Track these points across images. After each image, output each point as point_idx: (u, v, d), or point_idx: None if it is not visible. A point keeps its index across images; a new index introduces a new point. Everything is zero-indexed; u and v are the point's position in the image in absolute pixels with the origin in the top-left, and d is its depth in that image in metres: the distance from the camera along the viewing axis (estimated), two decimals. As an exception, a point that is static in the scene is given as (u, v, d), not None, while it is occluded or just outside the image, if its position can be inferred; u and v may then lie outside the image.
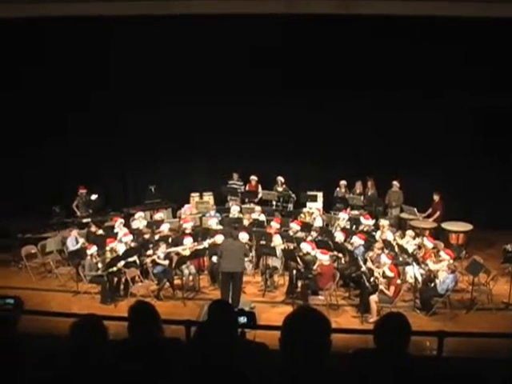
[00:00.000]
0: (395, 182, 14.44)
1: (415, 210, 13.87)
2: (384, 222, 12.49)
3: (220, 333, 3.67)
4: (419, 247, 11.67)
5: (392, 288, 10.00)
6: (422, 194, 14.18)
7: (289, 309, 10.06)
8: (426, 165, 14.34)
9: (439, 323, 9.66)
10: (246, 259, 11.84)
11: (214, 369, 2.80)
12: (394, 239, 11.90)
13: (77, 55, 13.92)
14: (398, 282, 10.17)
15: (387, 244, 11.49)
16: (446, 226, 13.29)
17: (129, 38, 13.74)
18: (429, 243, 11.52)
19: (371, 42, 13.39)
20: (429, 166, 14.33)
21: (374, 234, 12.33)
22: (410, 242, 11.78)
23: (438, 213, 13.69)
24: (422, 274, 10.81)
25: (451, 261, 10.58)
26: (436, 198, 13.82)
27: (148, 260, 11.45)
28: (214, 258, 11.35)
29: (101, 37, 13.66)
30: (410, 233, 12.14)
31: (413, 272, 10.71)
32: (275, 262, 11.73)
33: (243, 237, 11.66)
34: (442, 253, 10.90)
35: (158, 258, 11.39)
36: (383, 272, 10.20)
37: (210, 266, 11.82)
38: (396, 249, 11.51)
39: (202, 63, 14.21)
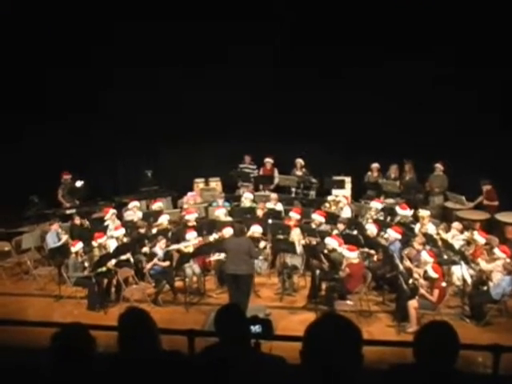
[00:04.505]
0: (438, 165, 14.37)
1: (463, 198, 13.79)
2: (425, 213, 12.42)
3: (229, 344, 3.67)
4: (468, 243, 11.58)
5: (435, 292, 9.92)
6: (471, 179, 14.05)
7: (311, 316, 10.05)
8: (475, 144, 14.13)
9: (493, 335, 9.57)
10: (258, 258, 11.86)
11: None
12: (438, 233, 11.82)
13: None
14: (443, 284, 10.09)
15: (429, 239, 11.41)
16: (502, 217, 13.19)
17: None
18: (480, 238, 11.41)
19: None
20: (478, 145, 14.15)
21: (412, 226, 12.29)
22: (456, 237, 11.70)
23: (495, 202, 13.60)
24: (471, 275, 10.74)
25: (508, 259, 10.48)
26: (487, 186, 13.67)
27: (148, 266, 11.34)
28: (222, 256, 11.35)
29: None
30: (456, 225, 12.04)
31: (460, 272, 10.63)
32: (295, 260, 11.71)
33: (256, 230, 11.67)
34: (496, 250, 10.78)
35: (159, 259, 11.39)
36: (424, 272, 10.13)
37: (217, 265, 11.83)
38: (440, 244, 11.44)
39: (203, 39, 14.52)
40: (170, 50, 14.64)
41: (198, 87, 14.90)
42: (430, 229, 11.95)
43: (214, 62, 14.71)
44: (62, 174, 14.66)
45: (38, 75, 14.52)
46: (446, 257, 11.27)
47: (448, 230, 12.10)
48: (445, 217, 13.73)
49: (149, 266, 11.34)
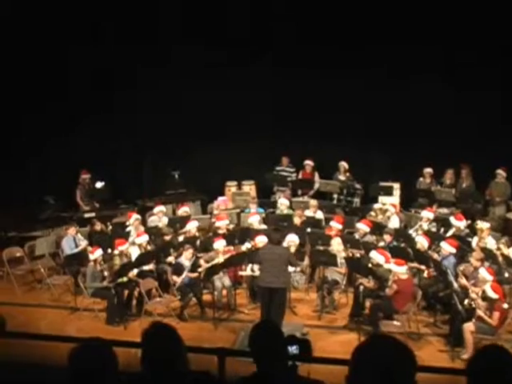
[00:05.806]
0: (500, 171, 14.19)
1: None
2: (483, 225, 12.25)
3: (265, 365, 3.64)
4: (533, 260, 11.43)
5: (495, 314, 9.77)
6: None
7: (353, 337, 10.06)
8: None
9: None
10: (294, 269, 11.80)
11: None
12: (498, 248, 11.66)
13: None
14: (504, 306, 9.93)
15: (488, 254, 11.25)
16: None
17: None
18: (547, 255, 11.27)
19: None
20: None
21: (469, 239, 12.15)
22: (520, 253, 11.55)
23: None
24: (536, 297, 10.60)
25: None
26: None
27: (178, 280, 11.27)
28: (255, 268, 11.33)
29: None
30: (520, 240, 11.90)
31: (524, 293, 10.50)
32: (335, 274, 11.66)
33: (292, 239, 11.62)
34: None
35: (188, 271, 11.38)
36: (483, 292, 9.99)
37: (249, 277, 11.82)
38: (500, 261, 11.29)
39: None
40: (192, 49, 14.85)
41: (234, 86, 15.00)
42: (490, 243, 11.79)
43: (255, 62, 14.86)
44: (81, 173, 14.75)
45: (51, 71, 14.86)
46: (507, 275, 11.11)
47: (510, 244, 11.91)
48: (507, 230, 13.53)
49: (179, 280, 11.32)
